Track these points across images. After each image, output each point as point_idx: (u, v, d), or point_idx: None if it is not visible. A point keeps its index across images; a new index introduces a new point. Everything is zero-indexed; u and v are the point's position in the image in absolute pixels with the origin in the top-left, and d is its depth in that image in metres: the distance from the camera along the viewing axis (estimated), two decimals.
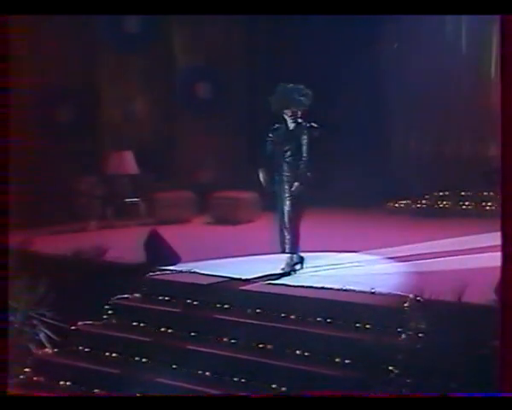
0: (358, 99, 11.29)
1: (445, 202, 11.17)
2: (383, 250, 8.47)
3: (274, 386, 6.32)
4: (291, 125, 7.54)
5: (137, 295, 7.66)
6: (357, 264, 8.05)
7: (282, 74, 11.24)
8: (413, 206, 11.27)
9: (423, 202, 11.28)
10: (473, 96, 11.25)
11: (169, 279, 7.78)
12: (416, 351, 6.01)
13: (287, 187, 7.51)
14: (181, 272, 7.88)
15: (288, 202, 7.52)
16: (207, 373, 6.62)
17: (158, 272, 7.86)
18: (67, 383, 6.94)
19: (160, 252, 8.20)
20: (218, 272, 7.64)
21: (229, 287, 7.41)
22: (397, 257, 8.23)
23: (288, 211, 7.51)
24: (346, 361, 6.25)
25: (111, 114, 11.28)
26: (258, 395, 6.04)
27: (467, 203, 11.05)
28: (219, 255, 8.31)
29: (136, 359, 7.03)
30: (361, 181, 10.81)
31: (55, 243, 8.86)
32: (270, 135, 7.57)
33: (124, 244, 8.68)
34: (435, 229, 9.53)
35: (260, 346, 6.69)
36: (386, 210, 11.06)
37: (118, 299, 7.61)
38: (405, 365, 5.95)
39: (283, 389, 6.29)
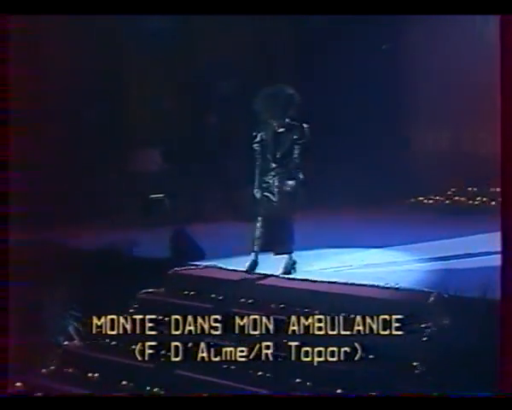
0: (373, 97, 11.32)
1: (476, 199, 11.19)
2: (408, 247, 8.51)
3: (298, 380, 6.39)
4: (279, 129, 7.52)
5: (163, 289, 7.76)
6: (380, 260, 8.10)
7: (300, 72, 11.37)
8: (436, 202, 11.33)
9: (447, 198, 11.34)
10: (489, 94, 11.24)
11: (194, 274, 7.87)
12: (440, 347, 6.06)
13: (277, 189, 7.49)
14: (206, 267, 7.97)
15: (280, 204, 7.50)
16: (232, 367, 6.65)
17: (183, 267, 7.96)
18: (95, 375, 7.06)
19: (185, 248, 8.32)
20: (243, 268, 7.70)
21: (253, 282, 7.49)
22: (422, 252, 8.25)
23: (281, 212, 7.49)
24: (370, 357, 6.30)
25: (137, 113, 11.40)
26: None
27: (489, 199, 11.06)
28: (245, 252, 8.39)
29: (162, 352, 7.10)
30: (380, 179, 10.88)
31: (84, 239, 8.99)
32: (257, 141, 7.58)
33: (150, 240, 8.78)
34: (460, 225, 9.54)
35: (284, 341, 6.74)
36: (409, 206, 11.12)
37: (144, 293, 7.71)
38: (430, 361, 6.01)
39: (308, 383, 6.35)
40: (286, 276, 7.53)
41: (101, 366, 7.13)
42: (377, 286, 6.98)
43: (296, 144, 7.48)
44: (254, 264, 7.64)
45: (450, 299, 6.42)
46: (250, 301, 7.23)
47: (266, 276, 7.57)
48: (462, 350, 5.93)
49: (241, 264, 7.73)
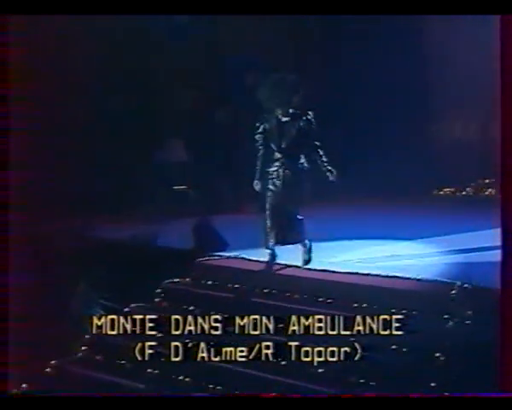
0: (402, 86, 11.34)
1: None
2: (432, 239, 8.55)
3: (320, 371, 6.44)
4: (284, 118, 7.42)
5: (187, 279, 7.87)
6: (404, 252, 8.14)
7: (326, 63, 11.39)
8: (460, 193, 11.34)
9: (472, 190, 11.34)
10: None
11: (218, 264, 7.97)
12: (462, 338, 6.10)
13: (283, 179, 7.42)
14: (229, 257, 8.07)
15: (285, 194, 7.44)
16: (258, 357, 6.72)
17: (207, 258, 8.07)
18: (121, 362, 7.17)
19: (208, 238, 8.42)
20: (265, 259, 7.76)
21: (275, 272, 7.57)
22: (445, 244, 8.30)
23: (287, 202, 7.43)
24: (393, 347, 6.36)
25: (163, 105, 11.50)
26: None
27: None
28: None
29: (185, 341, 7.19)
30: (406, 169, 10.90)
31: (110, 230, 9.13)
32: (259, 131, 7.50)
33: (175, 231, 8.89)
34: (484, 217, 9.52)
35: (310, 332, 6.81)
36: (433, 198, 11.13)
37: (169, 283, 7.82)
38: (452, 352, 6.05)
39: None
40: (307, 266, 7.56)
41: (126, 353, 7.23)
42: (400, 277, 7.03)
43: (305, 133, 7.36)
44: (273, 257, 7.64)
45: (472, 291, 6.46)
46: (274, 291, 7.31)
47: (288, 266, 7.63)
48: (483, 342, 5.97)
49: (264, 255, 7.78)
